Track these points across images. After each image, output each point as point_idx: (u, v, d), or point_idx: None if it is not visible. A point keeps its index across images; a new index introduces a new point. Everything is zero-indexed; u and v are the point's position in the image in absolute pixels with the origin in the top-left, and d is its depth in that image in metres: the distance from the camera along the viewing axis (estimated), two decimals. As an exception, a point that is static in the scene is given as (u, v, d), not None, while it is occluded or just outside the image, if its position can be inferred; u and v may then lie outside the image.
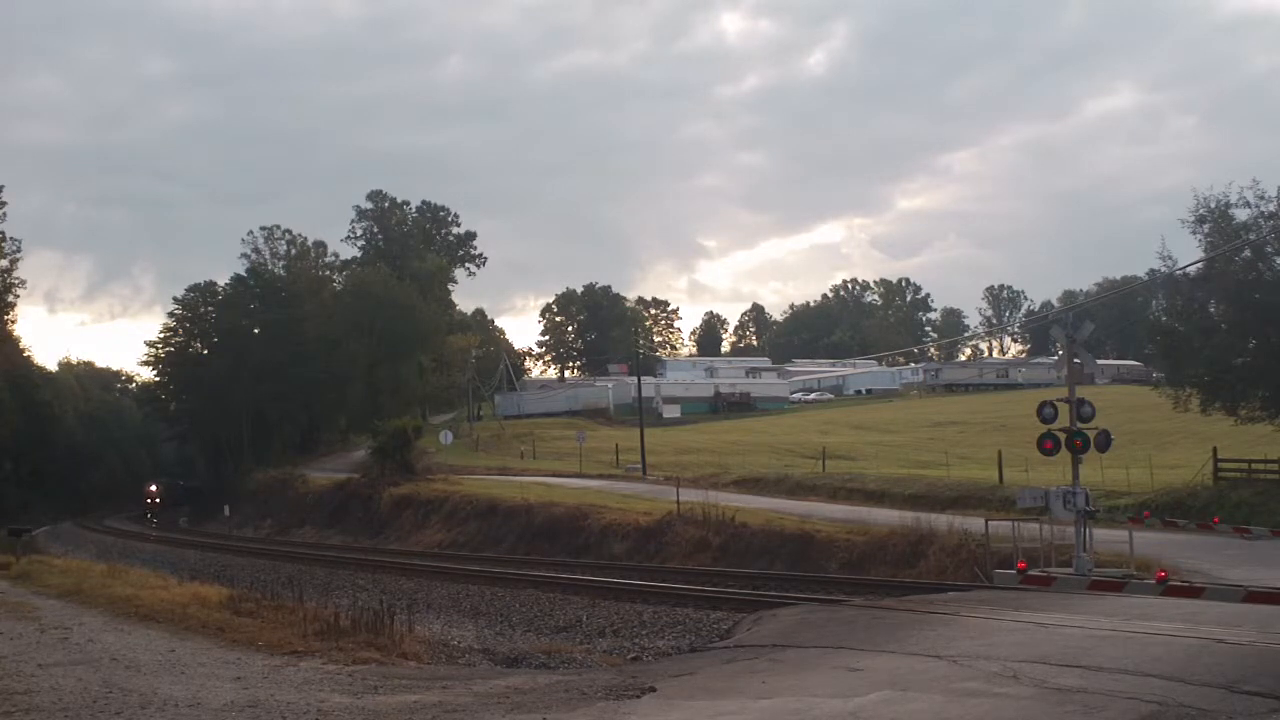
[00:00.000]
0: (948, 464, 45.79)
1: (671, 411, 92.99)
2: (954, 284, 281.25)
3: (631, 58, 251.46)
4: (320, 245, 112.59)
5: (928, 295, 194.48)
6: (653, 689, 10.82)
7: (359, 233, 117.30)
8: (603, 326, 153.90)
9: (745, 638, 15.11)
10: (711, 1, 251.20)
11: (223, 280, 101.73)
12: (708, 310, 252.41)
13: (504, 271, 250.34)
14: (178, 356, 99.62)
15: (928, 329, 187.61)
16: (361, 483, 57.97)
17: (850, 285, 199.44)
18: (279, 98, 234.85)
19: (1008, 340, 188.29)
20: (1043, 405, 19.20)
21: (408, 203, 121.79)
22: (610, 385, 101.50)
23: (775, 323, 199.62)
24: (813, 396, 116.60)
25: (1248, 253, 31.32)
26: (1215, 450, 31.12)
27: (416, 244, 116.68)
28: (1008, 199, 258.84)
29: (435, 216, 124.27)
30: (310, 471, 72.21)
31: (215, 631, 14.98)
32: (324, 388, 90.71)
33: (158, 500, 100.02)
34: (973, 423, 72.94)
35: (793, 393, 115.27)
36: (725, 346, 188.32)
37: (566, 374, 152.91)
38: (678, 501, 32.98)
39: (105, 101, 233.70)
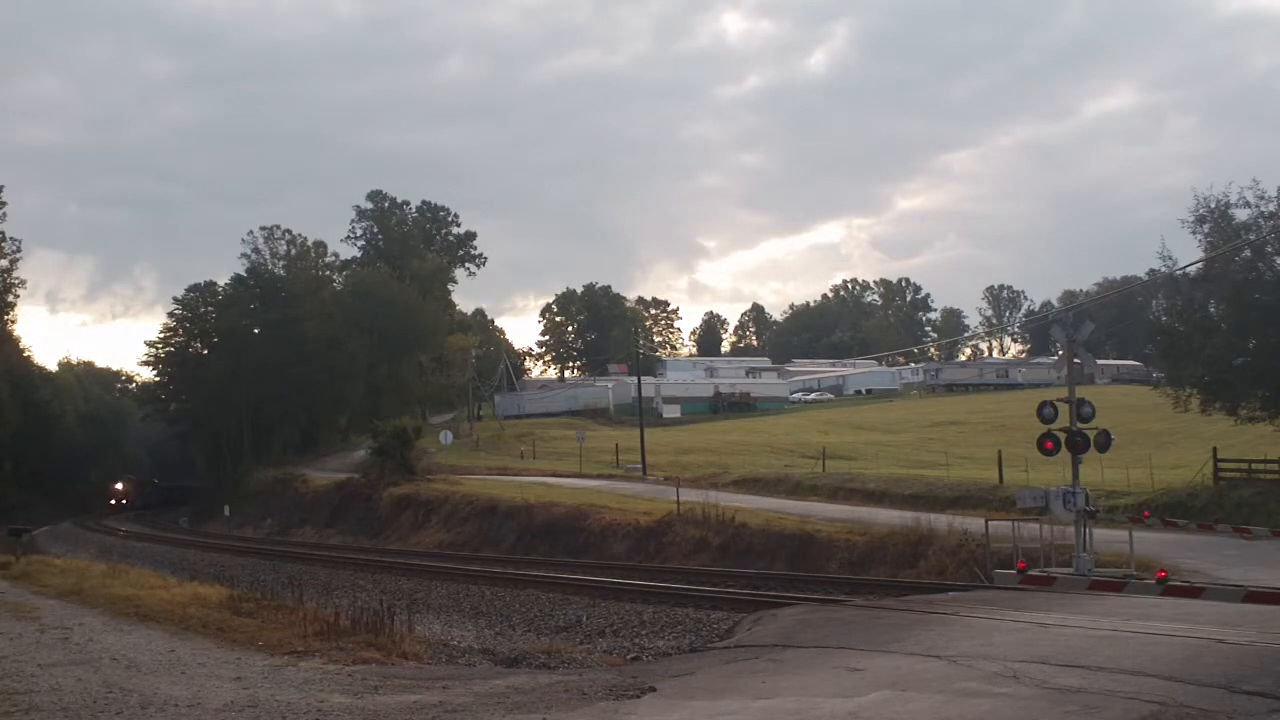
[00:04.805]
0: (947, 464, 45.79)
1: (671, 411, 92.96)
2: (954, 284, 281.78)
3: (632, 58, 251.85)
4: (320, 245, 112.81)
5: (928, 295, 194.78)
6: (653, 689, 10.82)
7: (359, 233, 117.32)
8: (603, 326, 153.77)
9: (745, 638, 15.09)
10: (712, 2, 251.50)
11: (223, 280, 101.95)
12: (708, 310, 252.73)
13: (504, 271, 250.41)
14: (178, 356, 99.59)
15: (928, 329, 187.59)
16: (361, 483, 57.96)
17: (850, 285, 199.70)
18: (279, 98, 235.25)
19: (1008, 340, 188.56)
20: (1043, 405, 19.20)
21: (408, 203, 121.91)
22: (610, 385, 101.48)
23: (775, 323, 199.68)
24: (813, 396, 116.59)
25: (1248, 253, 31.32)
26: (1215, 450, 31.11)
27: (416, 244, 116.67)
28: (1008, 199, 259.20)
29: (435, 216, 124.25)
30: (310, 471, 72.19)
31: (215, 631, 14.97)
32: (324, 388, 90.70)
33: (125, 500, 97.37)
34: (972, 423, 72.94)
35: (793, 393, 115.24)
36: (725, 346, 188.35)
37: (566, 374, 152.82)
38: (678, 501, 32.98)
39: (105, 102, 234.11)
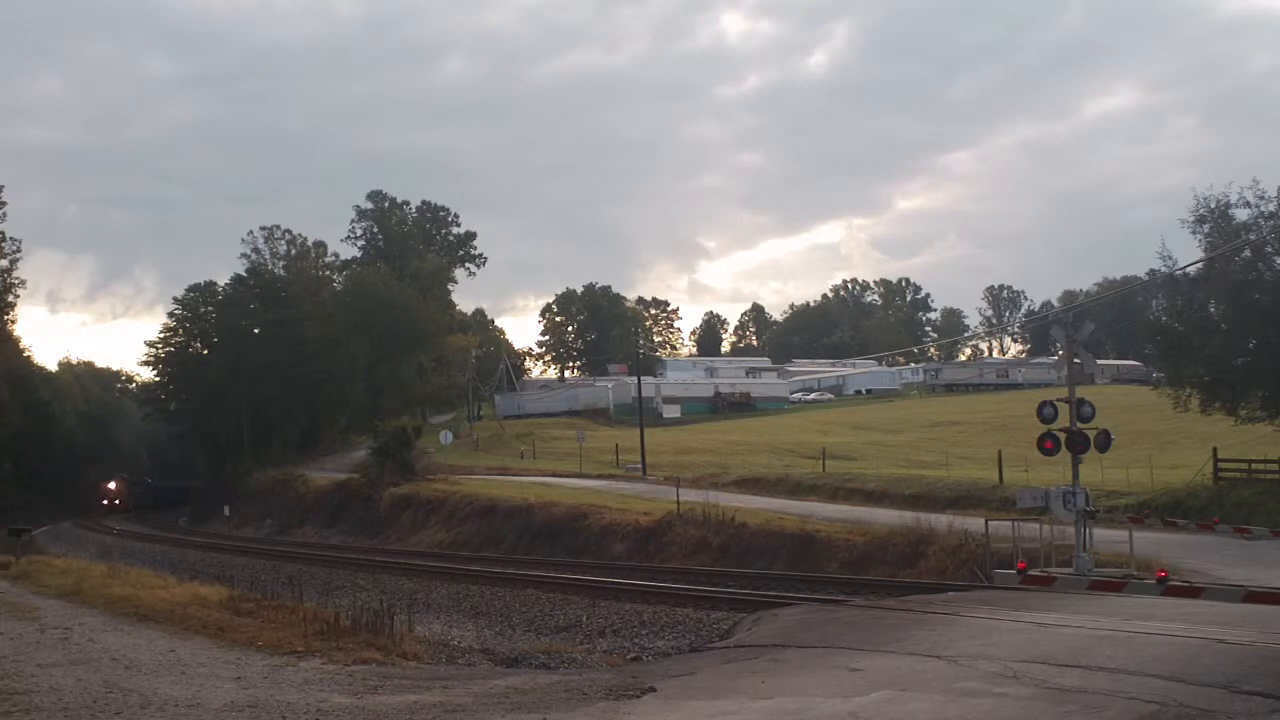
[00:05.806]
0: (947, 464, 45.79)
1: (671, 411, 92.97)
2: (954, 284, 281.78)
3: (632, 58, 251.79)
4: (320, 245, 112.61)
5: (928, 295, 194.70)
6: (653, 689, 10.82)
7: (359, 233, 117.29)
8: (603, 326, 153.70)
9: (745, 638, 15.10)
10: (712, 2, 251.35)
11: (223, 280, 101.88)
12: (708, 310, 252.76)
13: (504, 271, 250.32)
14: (178, 356, 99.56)
15: (928, 329, 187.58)
16: (361, 483, 57.94)
17: (850, 285, 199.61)
18: (279, 98, 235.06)
19: (1008, 340, 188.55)
20: (1043, 405, 19.21)
21: (408, 203, 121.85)
22: (610, 385, 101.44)
23: (775, 323, 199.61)
24: (813, 396, 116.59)
25: (1248, 253, 31.33)
26: (1215, 450, 31.10)
27: (416, 244, 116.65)
28: (1008, 199, 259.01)
29: (435, 216, 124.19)
30: (310, 471, 72.15)
31: (215, 631, 14.97)
32: (324, 388, 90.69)
33: (117, 501, 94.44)
34: (972, 423, 72.93)
35: (793, 393, 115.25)
36: (725, 346, 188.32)
37: (566, 374, 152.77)
38: (678, 501, 32.98)
39: (105, 101, 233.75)
